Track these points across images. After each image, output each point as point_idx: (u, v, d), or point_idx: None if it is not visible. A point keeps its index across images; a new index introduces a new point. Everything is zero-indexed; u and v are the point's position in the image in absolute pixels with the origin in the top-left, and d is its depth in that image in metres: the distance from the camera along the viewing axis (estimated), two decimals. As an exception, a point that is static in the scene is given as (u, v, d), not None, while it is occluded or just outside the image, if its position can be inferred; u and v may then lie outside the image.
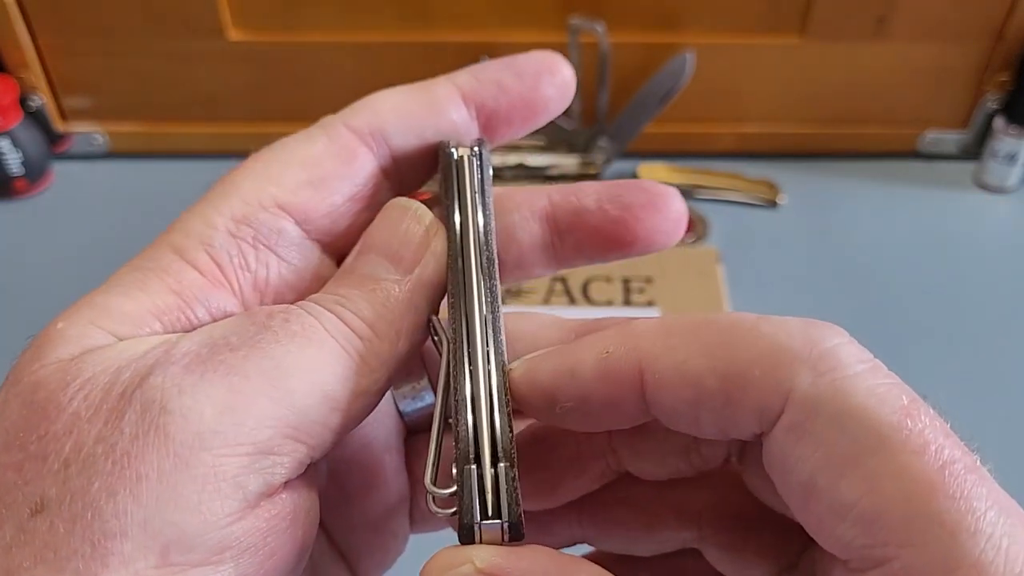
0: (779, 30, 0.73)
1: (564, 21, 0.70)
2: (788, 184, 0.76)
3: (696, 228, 0.72)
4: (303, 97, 0.76)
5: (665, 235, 0.22)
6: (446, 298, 0.21)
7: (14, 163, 0.73)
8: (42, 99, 0.75)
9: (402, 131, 0.22)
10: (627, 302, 0.62)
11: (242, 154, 0.22)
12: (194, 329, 0.20)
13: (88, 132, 0.78)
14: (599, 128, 0.74)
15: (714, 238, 0.71)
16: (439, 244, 0.21)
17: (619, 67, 0.72)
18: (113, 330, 0.19)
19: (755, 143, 0.78)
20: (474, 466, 0.18)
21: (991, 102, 0.75)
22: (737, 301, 0.63)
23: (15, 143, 0.73)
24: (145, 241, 0.21)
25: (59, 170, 0.78)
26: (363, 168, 0.22)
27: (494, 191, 0.23)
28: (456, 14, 0.72)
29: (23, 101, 0.74)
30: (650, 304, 0.62)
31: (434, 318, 0.21)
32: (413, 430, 0.26)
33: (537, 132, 0.75)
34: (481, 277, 0.21)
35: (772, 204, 0.75)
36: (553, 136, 0.75)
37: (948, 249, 0.71)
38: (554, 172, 0.75)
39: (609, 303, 0.63)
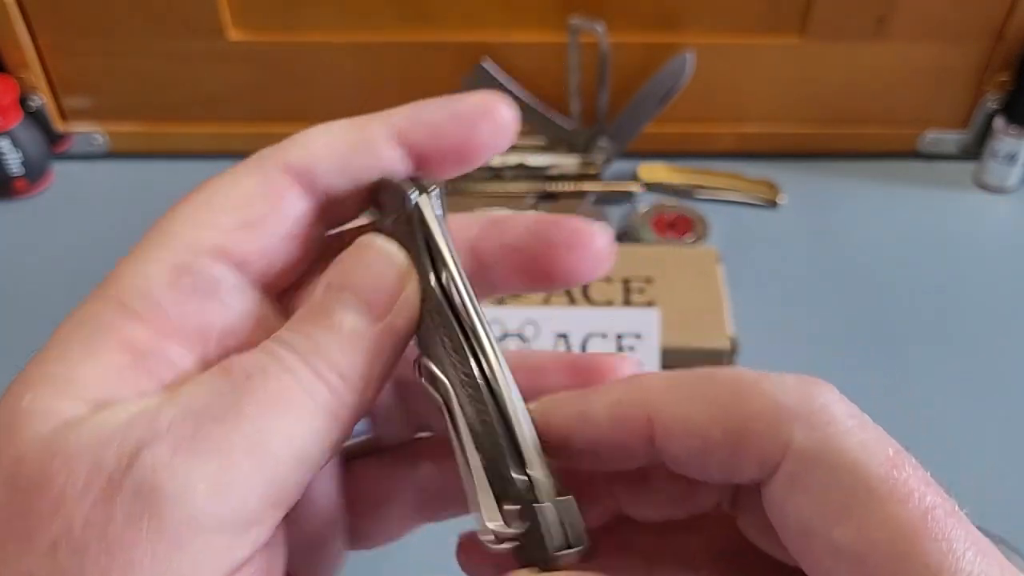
0: (779, 30, 0.73)
1: (564, 21, 0.70)
2: (788, 184, 0.76)
3: (696, 228, 0.72)
4: (303, 97, 0.76)
5: (585, 272, 0.23)
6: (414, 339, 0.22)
7: (14, 163, 0.73)
8: (42, 99, 0.75)
9: (333, 170, 0.22)
10: (627, 302, 0.62)
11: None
12: (153, 380, 0.19)
13: (88, 132, 0.78)
14: (599, 128, 0.74)
15: (714, 238, 0.71)
16: (412, 290, 0.21)
17: (619, 67, 0.72)
18: (80, 396, 0.19)
19: (755, 143, 0.78)
20: (547, 503, 0.20)
21: (991, 102, 0.75)
22: (737, 301, 0.63)
23: (15, 143, 0.73)
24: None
25: (59, 170, 0.78)
26: (294, 207, 0.22)
27: None
28: (456, 14, 0.72)
29: (23, 101, 0.74)
30: (650, 304, 0.62)
31: (427, 362, 0.21)
32: (349, 457, 0.26)
33: (538, 132, 0.75)
34: (487, 326, 0.21)
35: (772, 204, 0.75)
36: (553, 136, 0.75)
37: (948, 249, 0.71)
38: (554, 172, 0.75)
39: (609, 303, 0.63)
